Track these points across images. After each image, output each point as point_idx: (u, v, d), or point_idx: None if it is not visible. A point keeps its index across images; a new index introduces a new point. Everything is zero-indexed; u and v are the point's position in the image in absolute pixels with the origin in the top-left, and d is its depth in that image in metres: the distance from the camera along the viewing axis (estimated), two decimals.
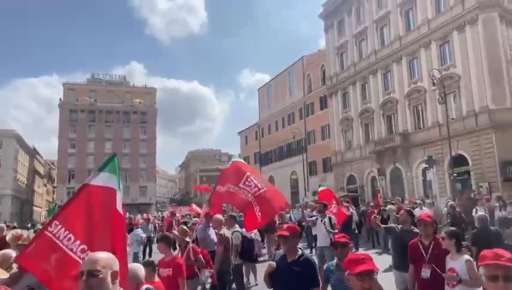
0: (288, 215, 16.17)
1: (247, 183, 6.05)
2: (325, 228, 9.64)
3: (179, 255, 6.08)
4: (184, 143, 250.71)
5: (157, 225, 22.56)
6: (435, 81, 25.25)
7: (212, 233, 8.30)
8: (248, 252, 7.92)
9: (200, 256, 5.98)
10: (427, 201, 15.99)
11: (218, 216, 8.09)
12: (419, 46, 31.82)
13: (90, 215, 3.12)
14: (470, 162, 27.36)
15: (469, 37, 27.88)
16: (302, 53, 57.65)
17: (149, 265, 4.27)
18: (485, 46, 26.90)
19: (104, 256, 2.29)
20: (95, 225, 3.09)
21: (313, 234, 10.76)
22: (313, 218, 9.87)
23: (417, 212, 12.73)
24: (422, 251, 4.55)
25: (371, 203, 21.05)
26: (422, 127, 31.53)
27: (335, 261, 4.01)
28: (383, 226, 6.89)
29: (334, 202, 10.88)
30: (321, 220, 9.39)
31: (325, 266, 4.26)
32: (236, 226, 8.28)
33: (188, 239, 6.16)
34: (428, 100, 30.54)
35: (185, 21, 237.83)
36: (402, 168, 32.79)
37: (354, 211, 16.71)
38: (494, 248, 2.03)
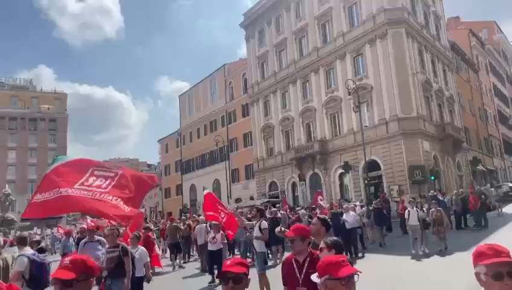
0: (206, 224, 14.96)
1: (90, 182, 4.90)
2: (253, 234, 9.55)
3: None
4: (98, 152, 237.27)
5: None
6: (350, 91, 26.69)
7: (98, 250, 7.73)
8: (38, 280, 6.55)
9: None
10: (345, 205, 16.04)
11: None
12: (335, 58, 33.53)
13: None
14: (382, 167, 29.27)
15: (380, 50, 30.03)
16: (221, 61, 57.82)
17: None
18: (394, 59, 29.16)
19: None
20: None
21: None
22: (252, 223, 9.76)
23: (347, 216, 12.90)
24: (296, 269, 3.69)
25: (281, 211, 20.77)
26: (338, 134, 33.12)
27: None
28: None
29: (220, 208, 10.52)
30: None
31: None
32: (25, 249, 6.96)
33: None
34: (344, 109, 32.22)
35: (99, 25, 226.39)
36: (321, 174, 34.09)
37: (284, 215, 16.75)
38: None
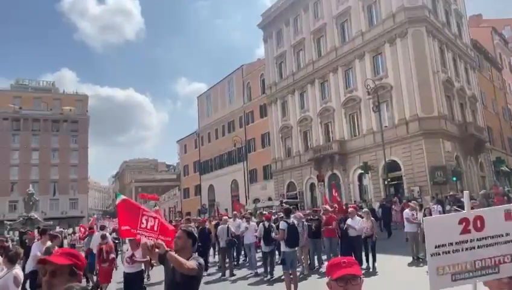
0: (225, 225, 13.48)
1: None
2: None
3: None
4: (118, 153, 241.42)
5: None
6: (369, 90, 26.43)
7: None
8: None
9: None
10: (350, 209, 12.91)
11: None
12: (354, 57, 33.22)
13: None
14: (402, 168, 28.83)
15: (400, 50, 29.61)
16: (239, 62, 58.00)
17: None
18: (414, 58, 28.71)
19: None
20: None
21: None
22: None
23: (353, 222, 11.44)
24: None
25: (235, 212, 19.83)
26: (357, 134, 32.79)
27: None
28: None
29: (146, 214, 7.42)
30: None
31: None
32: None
33: None
34: (363, 109, 31.88)
35: (119, 27, 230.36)
36: (339, 175, 33.81)
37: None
38: None
